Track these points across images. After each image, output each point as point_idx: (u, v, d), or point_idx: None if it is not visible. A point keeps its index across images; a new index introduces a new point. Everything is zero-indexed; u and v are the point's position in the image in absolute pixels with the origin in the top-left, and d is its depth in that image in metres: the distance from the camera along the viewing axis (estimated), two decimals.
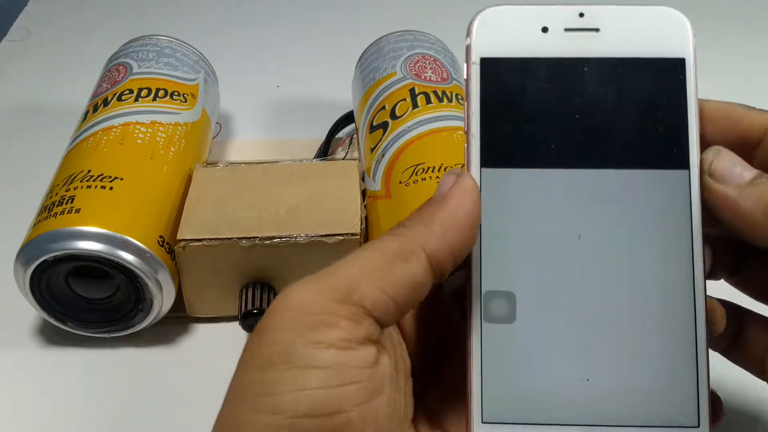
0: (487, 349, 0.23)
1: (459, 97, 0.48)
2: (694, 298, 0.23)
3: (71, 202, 0.40)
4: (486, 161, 0.23)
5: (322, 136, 0.57)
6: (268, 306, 0.43)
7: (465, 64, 0.24)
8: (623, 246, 0.23)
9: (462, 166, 0.24)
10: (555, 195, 0.23)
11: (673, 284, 0.23)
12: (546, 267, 0.23)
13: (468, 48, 0.24)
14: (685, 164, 0.23)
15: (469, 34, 0.24)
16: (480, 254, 0.23)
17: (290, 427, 0.19)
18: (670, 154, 0.23)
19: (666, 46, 0.24)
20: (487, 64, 0.24)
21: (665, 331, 0.23)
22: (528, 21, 0.24)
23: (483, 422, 0.22)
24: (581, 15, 0.24)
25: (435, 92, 0.48)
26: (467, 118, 0.24)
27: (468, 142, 0.23)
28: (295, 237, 0.40)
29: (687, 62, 0.23)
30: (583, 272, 0.23)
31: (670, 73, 0.23)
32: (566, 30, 0.24)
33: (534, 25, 0.24)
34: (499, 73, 0.24)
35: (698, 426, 0.22)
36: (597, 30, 0.24)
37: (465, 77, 0.24)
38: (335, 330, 0.20)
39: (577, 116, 0.23)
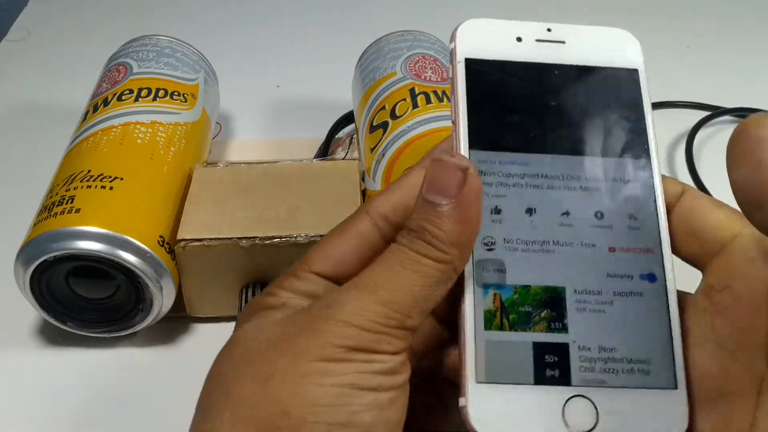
0: (480, 311, 0.25)
1: None
2: (664, 269, 0.26)
3: (71, 202, 0.40)
4: (472, 144, 0.27)
5: (322, 136, 0.57)
6: None
7: (450, 65, 0.28)
8: (597, 223, 0.26)
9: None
10: (533, 175, 0.26)
11: (644, 258, 0.26)
12: (529, 238, 0.26)
13: (453, 50, 0.28)
14: (646, 154, 0.27)
15: (453, 39, 0.28)
16: None
17: (348, 395, 0.22)
18: (632, 144, 0.27)
19: (622, 58, 0.28)
20: (470, 62, 0.27)
21: (642, 300, 0.25)
22: (504, 31, 0.28)
23: (477, 382, 0.24)
24: (549, 30, 0.28)
25: (435, 92, 0.48)
26: (454, 108, 0.27)
27: (456, 128, 0.27)
28: (295, 237, 0.40)
29: (640, 71, 0.28)
30: (563, 244, 0.26)
31: (627, 79, 0.28)
32: (537, 41, 0.28)
33: (509, 35, 0.28)
34: (480, 72, 0.27)
35: (676, 388, 0.24)
36: (563, 42, 0.28)
37: (450, 76, 0.27)
38: (390, 347, 0.23)
39: (547, 110, 0.27)
